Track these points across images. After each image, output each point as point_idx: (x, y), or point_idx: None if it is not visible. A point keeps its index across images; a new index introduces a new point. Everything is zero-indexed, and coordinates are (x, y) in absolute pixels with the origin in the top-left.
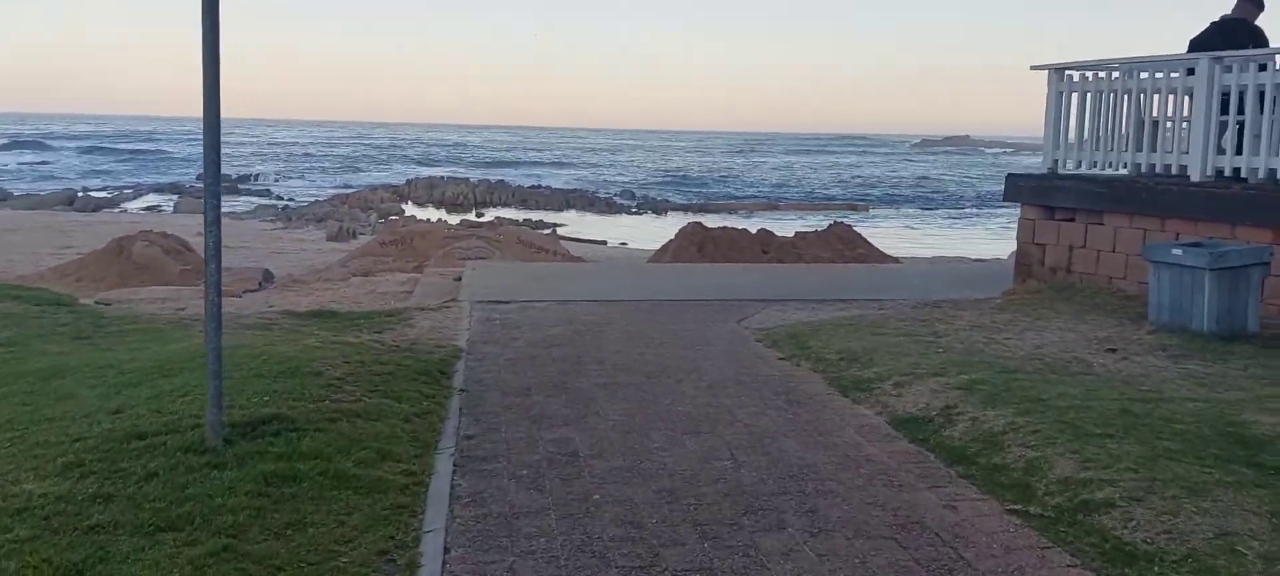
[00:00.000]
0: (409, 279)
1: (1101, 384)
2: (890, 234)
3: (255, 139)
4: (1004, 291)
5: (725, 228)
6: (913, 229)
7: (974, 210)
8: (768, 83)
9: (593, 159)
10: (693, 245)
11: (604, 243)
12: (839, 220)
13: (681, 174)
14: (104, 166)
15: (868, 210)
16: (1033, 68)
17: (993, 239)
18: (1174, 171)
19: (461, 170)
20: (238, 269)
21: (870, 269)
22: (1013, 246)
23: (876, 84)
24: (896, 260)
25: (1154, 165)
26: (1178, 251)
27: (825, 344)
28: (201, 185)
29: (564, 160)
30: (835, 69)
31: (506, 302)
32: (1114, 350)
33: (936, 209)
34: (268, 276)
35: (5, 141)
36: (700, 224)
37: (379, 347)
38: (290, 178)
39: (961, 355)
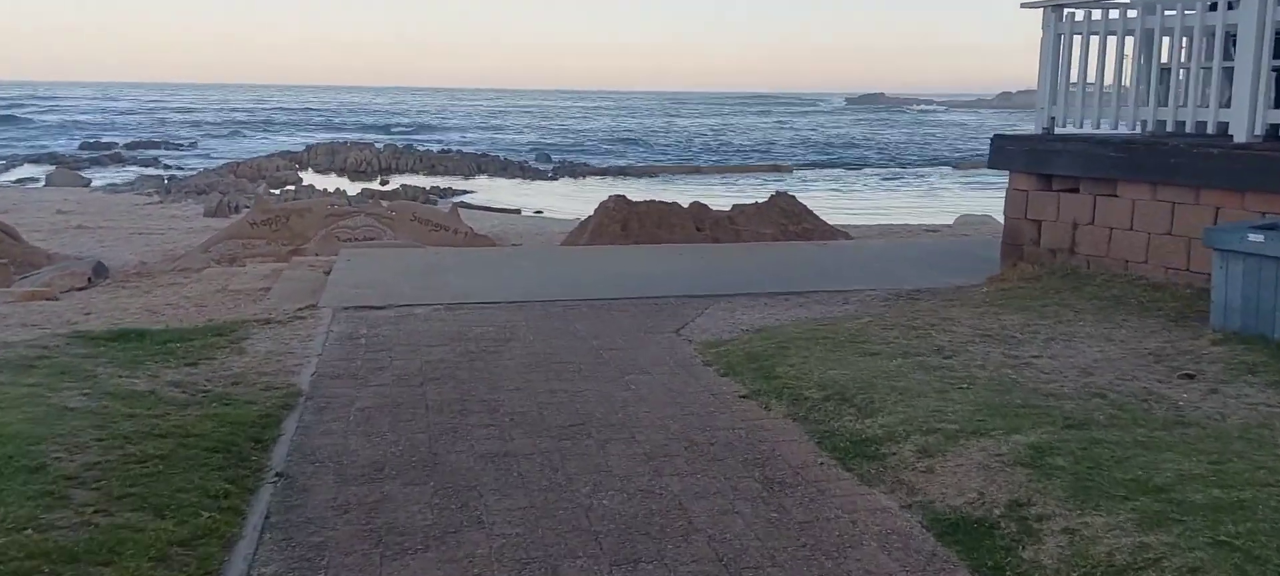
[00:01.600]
0: (275, 270)
1: (1215, 441)
2: (822, 199)
3: (155, 105)
4: (990, 278)
5: (652, 201)
6: (844, 194)
7: (900, 171)
8: (688, 42)
9: (508, 120)
10: (615, 223)
11: (518, 210)
12: (781, 191)
13: (599, 135)
14: None
15: (792, 170)
16: (1024, 5)
17: (930, 203)
18: (1210, 130)
19: (369, 134)
20: (70, 261)
21: (821, 248)
22: (956, 213)
23: (795, 44)
24: (847, 234)
25: (1182, 123)
26: (1258, 237)
27: (799, 370)
28: (83, 154)
29: (478, 122)
30: (752, 29)
31: (380, 308)
32: (1190, 376)
33: (862, 169)
34: (100, 270)
35: None
36: (623, 198)
37: (178, 395)
38: (185, 144)
39: (994, 391)
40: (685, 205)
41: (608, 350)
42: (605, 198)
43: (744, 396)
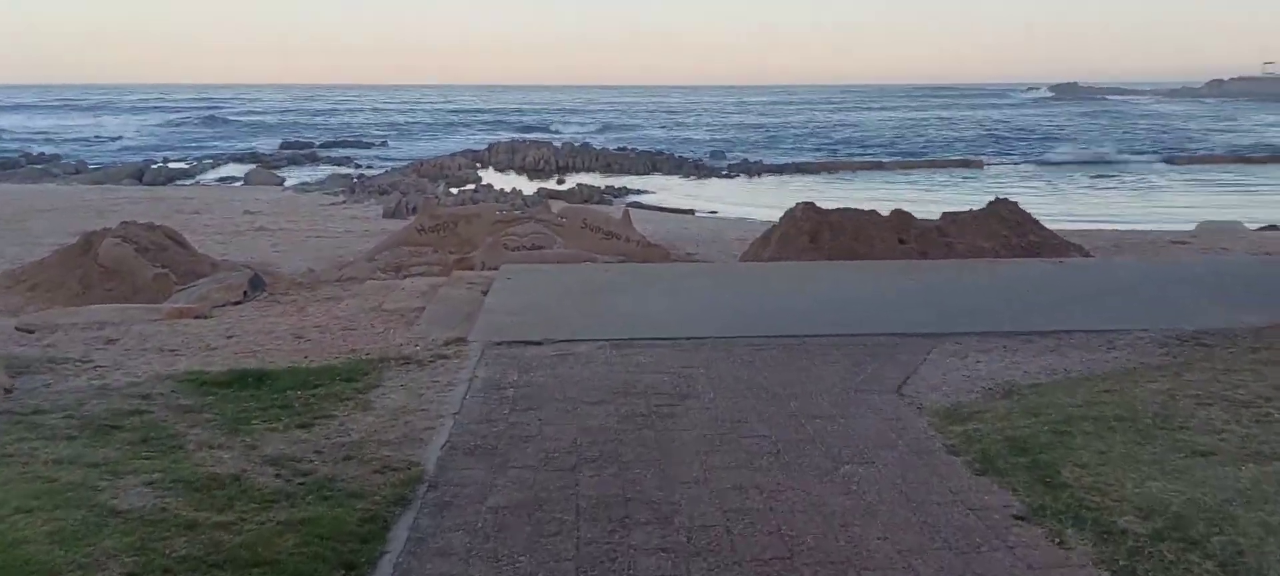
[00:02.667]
0: (434, 286)
1: None
2: (1027, 200)
3: (347, 105)
4: None
5: (846, 209)
6: (1051, 194)
7: (1108, 167)
8: (868, 33)
9: (680, 118)
10: (803, 234)
11: (692, 211)
12: (1000, 195)
13: (772, 131)
14: (177, 135)
15: (983, 166)
16: None
17: (1153, 205)
18: None
19: (547, 133)
20: (229, 273)
21: (1058, 266)
22: (1190, 217)
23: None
24: (1082, 249)
25: None
26: None
27: (1096, 476)
28: (283, 153)
29: (650, 120)
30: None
31: (537, 343)
32: None
33: (1062, 166)
34: (257, 283)
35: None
36: (812, 205)
37: (269, 482)
38: (375, 143)
39: None
40: (884, 213)
41: (811, 418)
42: (792, 204)
43: (1020, 517)
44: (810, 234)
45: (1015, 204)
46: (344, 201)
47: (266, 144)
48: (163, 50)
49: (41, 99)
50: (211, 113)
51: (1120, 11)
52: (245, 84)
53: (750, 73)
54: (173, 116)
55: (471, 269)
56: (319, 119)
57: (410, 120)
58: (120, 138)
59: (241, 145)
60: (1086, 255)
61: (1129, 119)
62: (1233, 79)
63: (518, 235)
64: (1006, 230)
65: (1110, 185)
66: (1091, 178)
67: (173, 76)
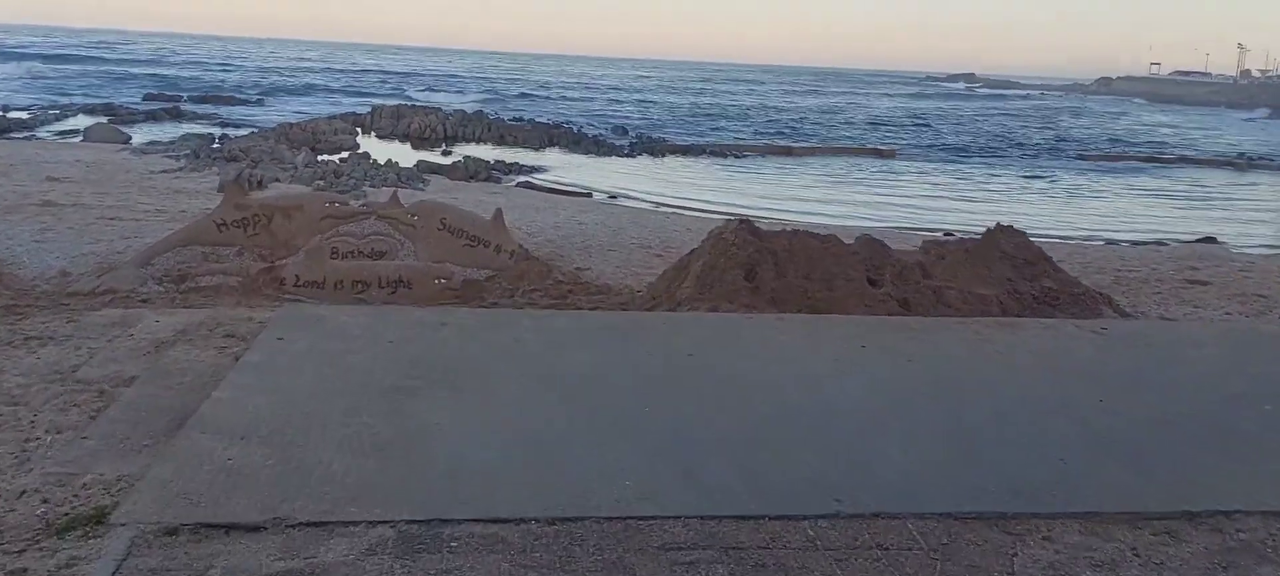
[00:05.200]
0: (181, 329)
1: None
2: (958, 201)
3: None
4: None
5: (795, 233)
6: (982, 196)
7: (1025, 160)
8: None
9: (590, 91)
10: (736, 267)
11: (589, 194)
12: (999, 221)
13: (681, 110)
14: (54, 80)
15: (896, 155)
16: None
17: (1108, 210)
18: None
19: (448, 96)
20: None
21: (1100, 337)
22: (1163, 231)
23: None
24: (1112, 303)
25: None
26: None
27: None
28: (143, 106)
29: (559, 92)
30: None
31: (252, 531)
32: None
33: (973, 158)
34: None
35: None
36: (748, 225)
37: None
38: (257, 102)
39: None
40: (847, 239)
41: None
42: (721, 225)
43: None
44: (746, 267)
45: (1022, 234)
46: (184, 168)
47: (131, 95)
48: None
49: None
50: (96, 58)
51: (1010, 7)
52: (141, 30)
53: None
54: (58, 61)
55: (282, 283)
56: (200, 72)
57: (296, 79)
58: None
59: (100, 95)
60: (1118, 315)
61: (1023, 114)
62: (1120, 78)
63: (351, 238)
64: (1010, 270)
65: (1038, 183)
66: (1022, 176)
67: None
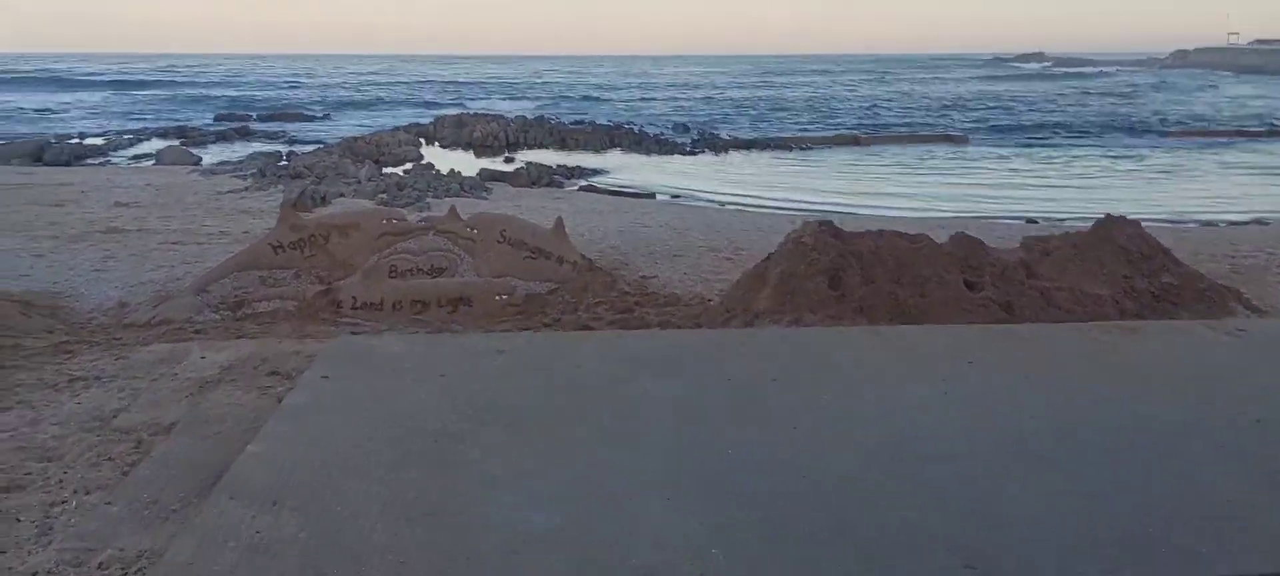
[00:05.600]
0: (229, 368)
1: None
2: (1034, 183)
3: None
4: None
5: (880, 234)
6: (1068, 179)
7: (1107, 140)
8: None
9: (647, 90)
10: (818, 273)
11: (653, 195)
12: (1111, 214)
13: (741, 104)
14: (129, 106)
15: (968, 141)
16: None
17: (1200, 192)
18: None
19: (509, 104)
20: None
21: (1237, 341)
22: (1240, 201)
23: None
24: (1242, 298)
25: None
26: None
27: None
28: (214, 127)
29: (618, 93)
30: None
31: None
32: None
33: (1053, 141)
34: None
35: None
36: (828, 227)
37: None
38: (324, 116)
39: None
40: (931, 234)
41: None
42: (798, 228)
43: None
44: (829, 273)
45: (1136, 224)
46: (249, 188)
47: (203, 116)
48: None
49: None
50: (169, 82)
51: None
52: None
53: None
54: (134, 87)
55: (339, 306)
56: (269, 91)
57: (361, 93)
58: (66, 111)
59: (173, 118)
60: (1252, 311)
61: (1109, 91)
62: (1197, 49)
63: (410, 255)
64: (1125, 266)
65: (1125, 164)
66: (1105, 156)
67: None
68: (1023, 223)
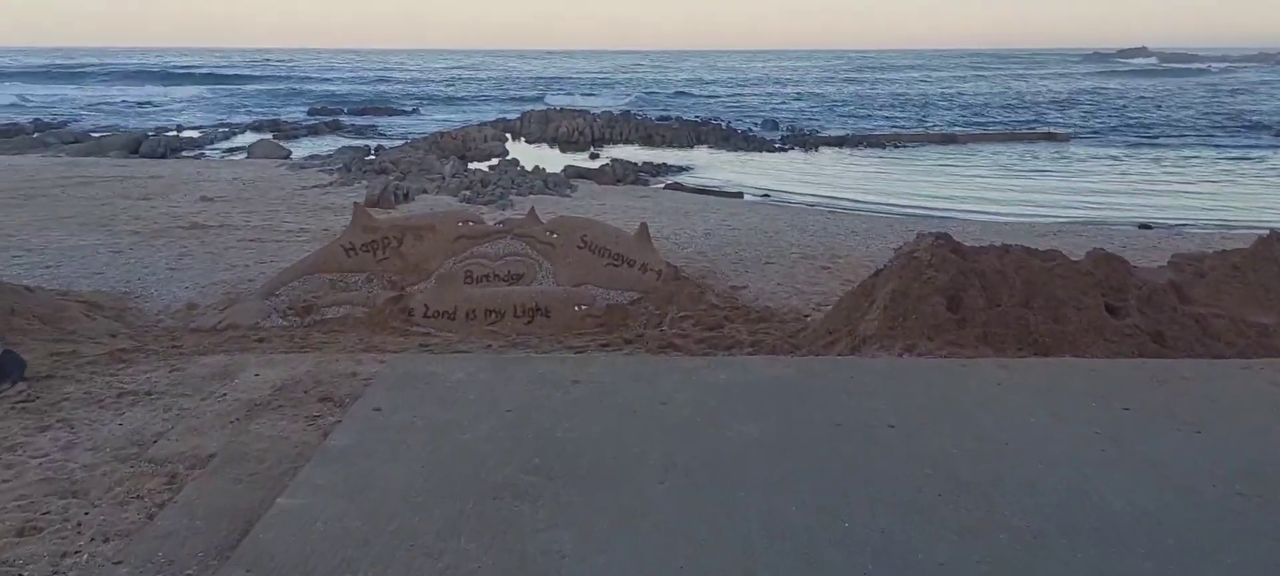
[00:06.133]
0: (301, 374)
1: None
2: (1142, 180)
3: (412, 68)
4: None
5: (1005, 250)
6: (1168, 173)
7: (1222, 140)
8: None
9: (739, 86)
10: (936, 294)
11: (740, 194)
12: (1274, 229)
13: (830, 100)
14: (226, 100)
15: (1069, 139)
16: None
17: None
18: None
19: (598, 99)
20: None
21: None
22: None
23: None
24: None
25: None
26: None
27: None
28: (306, 121)
29: (708, 88)
30: None
31: None
32: None
33: (1160, 139)
34: (6, 369)
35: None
36: (945, 241)
37: None
38: (414, 111)
39: None
40: (1078, 262)
41: None
42: (912, 242)
43: None
44: (948, 294)
45: None
46: (335, 182)
47: (296, 111)
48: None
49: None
50: (267, 76)
51: None
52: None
53: (802, 38)
54: (232, 81)
55: (411, 314)
56: (361, 86)
57: (451, 88)
58: (166, 105)
59: (269, 111)
60: None
61: (1221, 87)
62: None
63: (486, 260)
64: None
65: (1249, 167)
66: (1224, 157)
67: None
68: (1135, 228)
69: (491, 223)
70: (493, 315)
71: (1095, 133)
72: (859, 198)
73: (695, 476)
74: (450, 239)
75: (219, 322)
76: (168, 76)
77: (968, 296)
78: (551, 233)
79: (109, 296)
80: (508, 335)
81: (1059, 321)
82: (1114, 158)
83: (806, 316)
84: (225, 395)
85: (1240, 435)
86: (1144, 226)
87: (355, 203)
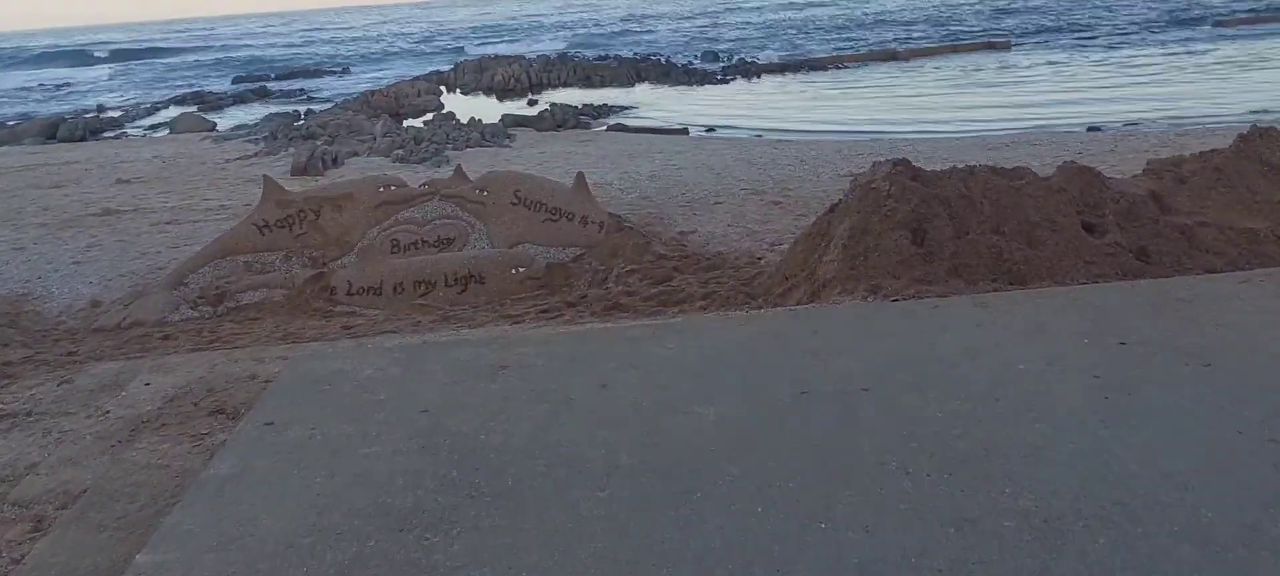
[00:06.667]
0: (195, 381)
1: None
2: (1090, 83)
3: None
4: None
5: (971, 171)
6: (1114, 73)
7: (1159, 35)
8: None
9: (675, 19)
10: (898, 228)
11: (685, 131)
12: (1260, 124)
13: (770, 26)
14: (142, 76)
15: (1010, 46)
16: None
17: (1251, 81)
18: None
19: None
20: None
21: None
22: None
23: None
24: None
25: None
26: None
27: None
28: (231, 89)
29: (644, 24)
30: None
31: None
32: None
33: (1100, 39)
34: None
35: (39, 53)
36: (905, 166)
37: None
38: (343, 71)
39: None
40: (1038, 168)
41: None
42: (867, 172)
43: None
44: (912, 226)
45: None
46: (260, 152)
47: (220, 81)
48: None
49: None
50: (190, 48)
51: None
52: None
53: None
54: (150, 55)
55: (333, 292)
56: (285, 50)
57: (379, 44)
58: (84, 85)
59: (190, 84)
60: None
61: None
62: None
63: (413, 226)
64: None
65: (1190, 61)
66: (1165, 54)
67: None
68: (1085, 131)
69: (416, 186)
70: (422, 287)
71: (1036, 37)
72: (804, 124)
73: (643, 481)
74: (372, 206)
75: (123, 320)
76: (82, 55)
77: (933, 227)
78: (481, 190)
79: (4, 300)
80: (440, 308)
81: (1033, 246)
82: (1057, 63)
83: (760, 259)
84: (108, 412)
85: (1258, 366)
86: (1093, 129)
87: (264, 175)
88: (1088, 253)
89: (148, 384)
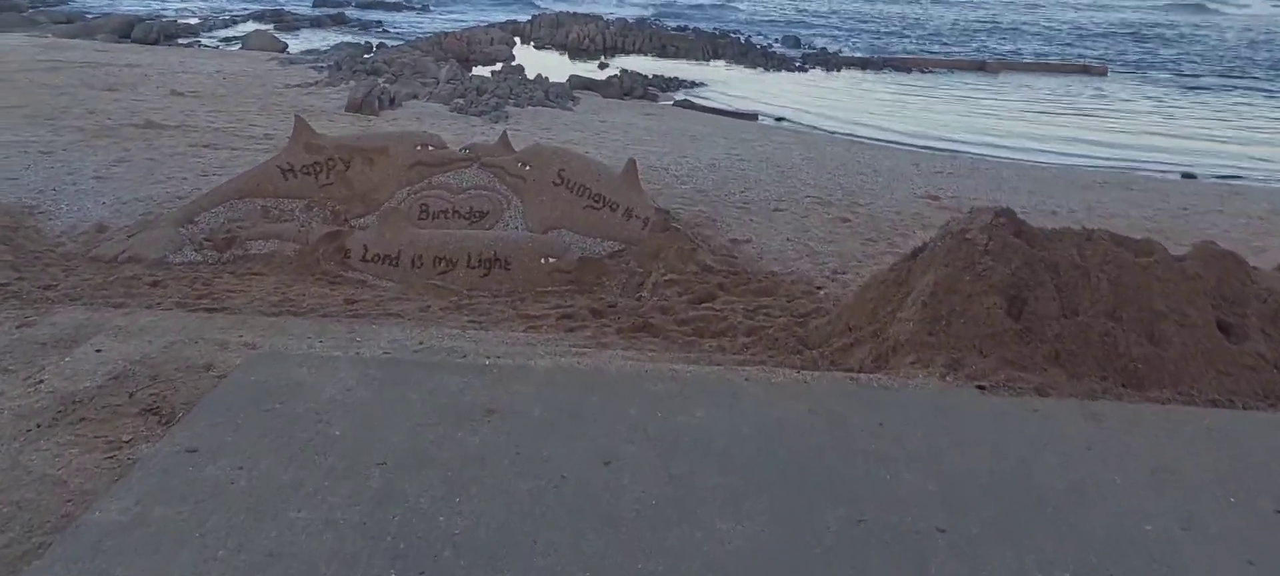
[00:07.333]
0: (150, 353)
1: None
2: (1193, 122)
3: None
4: None
5: (1087, 238)
6: (1214, 116)
7: (1262, 85)
8: None
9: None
10: (991, 291)
11: (755, 116)
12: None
13: (856, 17)
14: None
15: (1105, 73)
16: None
17: None
18: None
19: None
20: None
21: None
22: None
23: None
24: None
25: None
26: None
27: None
28: (310, 11)
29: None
30: None
31: None
32: None
33: (1208, 80)
34: None
35: None
36: (1007, 217)
37: None
38: (423, 8)
39: None
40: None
41: None
42: (963, 218)
43: None
44: (1009, 294)
45: None
46: (323, 82)
47: (302, 3)
48: None
49: None
50: None
51: None
52: None
53: None
54: None
55: (347, 255)
56: None
57: None
58: None
59: (282, 1)
60: None
61: (1268, 28)
62: None
63: (447, 192)
64: None
65: None
66: (1269, 96)
67: None
68: (1180, 177)
69: (457, 150)
70: (443, 263)
71: (1133, 69)
72: (880, 127)
73: None
74: (406, 165)
75: (122, 253)
76: None
77: (1035, 298)
78: (524, 164)
79: (8, 211)
80: (456, 292)
81: (1156, 342)
82: (1154, 97)
83: (819, 289)
84: (42, 382)
85: None
86: (1187, 176)
87: (296, 115)
88: (1222, 360)
89: (98, 351)
